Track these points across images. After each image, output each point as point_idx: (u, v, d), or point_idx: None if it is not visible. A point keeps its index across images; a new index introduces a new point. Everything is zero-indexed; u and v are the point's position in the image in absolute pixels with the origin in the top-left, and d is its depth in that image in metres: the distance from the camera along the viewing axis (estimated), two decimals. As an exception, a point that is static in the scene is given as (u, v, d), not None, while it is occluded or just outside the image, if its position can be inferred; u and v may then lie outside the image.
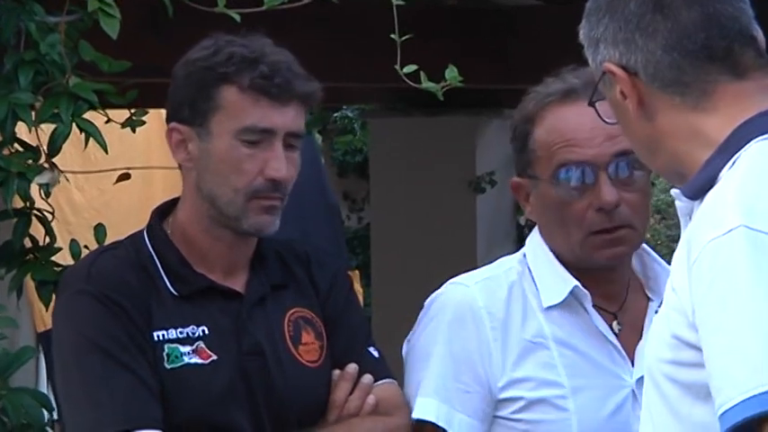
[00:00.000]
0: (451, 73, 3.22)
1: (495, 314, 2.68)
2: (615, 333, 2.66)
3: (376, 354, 2.68)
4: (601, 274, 2.68)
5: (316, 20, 3.33)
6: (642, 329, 2.64)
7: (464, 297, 2.72)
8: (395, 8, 3.21)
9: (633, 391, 2.61)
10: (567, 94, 2.64)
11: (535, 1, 5.01)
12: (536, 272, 2.70)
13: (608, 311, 2.68)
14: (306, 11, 3.27)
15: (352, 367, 2.61)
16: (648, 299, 2.70)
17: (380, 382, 2.63)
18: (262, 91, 2.50)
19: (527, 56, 4.99)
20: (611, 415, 2.60)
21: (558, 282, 2.68)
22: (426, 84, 3.25)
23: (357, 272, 8.09)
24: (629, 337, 2.65)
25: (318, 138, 8.81)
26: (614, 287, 2.70)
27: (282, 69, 2.51)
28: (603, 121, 2.24)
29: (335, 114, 9.75)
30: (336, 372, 2.60)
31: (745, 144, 2.04)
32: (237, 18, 3.18)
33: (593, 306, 2.66)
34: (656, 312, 2.53)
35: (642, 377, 2.49)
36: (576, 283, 2.65)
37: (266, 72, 2.49)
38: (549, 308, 2.67)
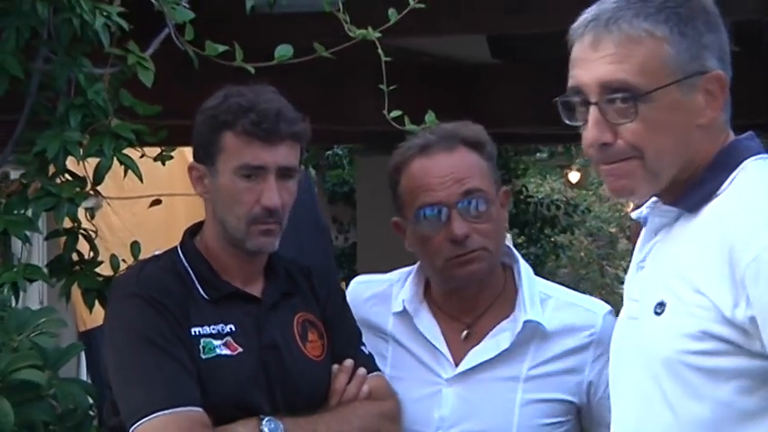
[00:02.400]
0: (430, 117, 3.23)
1: (357, 306, 2.81)
2: (447, 339, 2.68)
3: (366, 351, 2.69)
4: (460, 293, 2.69)
5: (316, 71, 3.32)
6: (483, 340, 2.66)
7: (349, 287, 2.94)
8: (383, 63, 3.22)
9: (446, 383, 2.66)
10: (424, 148, 2.67)
11: (493, 60, 5.01)
12: (406, 282, 2.76)
13: (461, 321, 2.69)
14: (306, 64, 3.27)
15: (349, 362, 2.62)
16: (506, 314, 2.69)
17: (372, 374, 2.64)
18: (252, 135, 2.50)
19: (486, 105, 4.98)
20: (417, 399, 2.66)
21: (407, 290, 2.74)
22: (409, 126, 3.25)
23: (343, 282, 8.07)
24: (470, 342, 2.67)
25: (313, 172, 8.81)
26: (470, 303, 2.69)
27: (270, 116, 2.51)
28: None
29: (328, 152, 9.78)
30: (335, 366, 2.61)
31: (740, 163, 2.01)
32: (252, 71, 3.18)
33: (445, 314, 2.72)
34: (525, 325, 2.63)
35: (466, 371, 2.64)
36: (407, 297, 2.71)
37: (255, 119, 2.49)
38: (396, 313, 2.73)
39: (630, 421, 2.05)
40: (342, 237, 10.63)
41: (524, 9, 3.66)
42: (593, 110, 2.01)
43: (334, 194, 10.60)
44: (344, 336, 2.68)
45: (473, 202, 2.60)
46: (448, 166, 2.62)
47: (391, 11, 3.24)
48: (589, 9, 2.04)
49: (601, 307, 2.76)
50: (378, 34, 3.26)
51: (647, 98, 1.97)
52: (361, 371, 2.62)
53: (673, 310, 1.98)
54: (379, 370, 2.67)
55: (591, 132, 2.01)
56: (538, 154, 15.30)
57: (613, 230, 18.38)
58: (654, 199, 2.16)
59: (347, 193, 10.25)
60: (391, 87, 3.24)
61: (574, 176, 17.15)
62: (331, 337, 2.65)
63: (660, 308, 2.00)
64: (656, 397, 1.98)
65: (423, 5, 3.21)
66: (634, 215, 2.20)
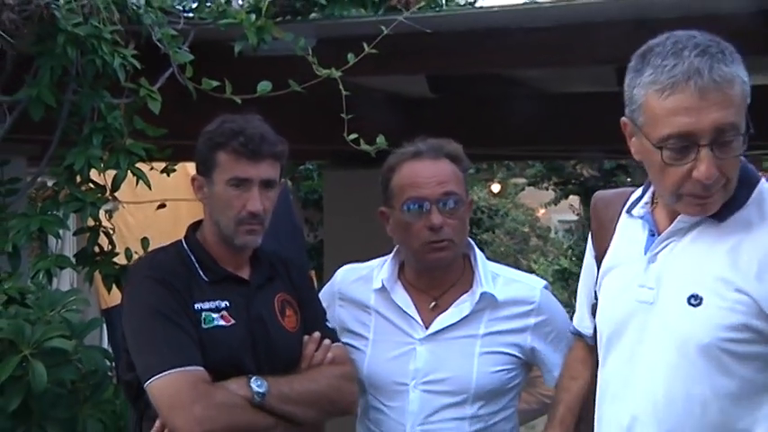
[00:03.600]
0: (380, 140, 3.23)
1: (345, 288, 2.82)
2: (418, 309, 2.68)
3: (331, 326, 2.68)
4: (430, 272, 2.68)
5: (291, 102, 3.32)
6: (447, 308, 2.67)
7: (336, 274, 2.90)
8: (343, 97, 3.22)
9: (419, 343, 2.66)
10: (415, 155, 2.65)
11: (431, 95, 5.01)
12: (384, 266, 2.75)
13: (430, 295, 2.69)
14: (283, 96, 3.27)
15: (317, 334, 2.60)
16: (466, 289, 2.70)
17: (335, 344, 2.62)
18: (240, 153, 2.47)
19: (425, 131, 4.98)
20: (396, 357, 2.66)
21: (385, 272, 2.73)
22: (364, 147, 3.25)
23: (313, 272, 8.04)
24: (437, 311, 2.67)
25: (289, 183, 8.79)
26: (438, 281, 2.69)
27: (255, 139, 2.48)
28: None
29: (301, 167, 9.75)
30: (306, 337, 2.59)
31: (757, 182, 1.99)
32: (239, 101, 3.17)
33: (416, 290, 2.70)
34: (481, 296, 2.63)
35: (435, 332, 2.65)
36: (385, 277, 2.71)
37: (243, 141, 2.47)
38: (376, 289, 2.72)
39: (658, 389, 1.98)
40: (312, 234, 10.59)
41: (456, 56, 3.68)
42: (706, 151, 1.86)
43: (307, 201, 10.57)
44: (313, 313, 2.66)
45: (449, 202, 2.59)
46: (433, 171, 2.61)
47: (350, 55, 3.24)
48: (666, 63, 1.88)
49: (539, 282, 2.77)
50: (339, 73, 3.26)
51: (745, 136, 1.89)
52: (327, 341, 2.60)
53: (712, 305, 1.92)
54: (340, 341, 2.67)
55: (709, 170, 1.87)
56: (471, 170, 15.33)
57: (526, 230, 18.45)
58: (646, 201, 2.13)
59: (317, 200, 10.22)
60: (350, 116, 3.24)
61: (495, 188, 17.24)
62: (303, 313, 2.63)
63: (695, 300, 1.94)
64: (686, 372, 1.94)
65: (375, 51, 3.22)
66: (636, 214, 2.16)
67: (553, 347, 2.67)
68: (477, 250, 2.76)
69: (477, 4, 4.94)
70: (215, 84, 3.25)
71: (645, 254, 2.07)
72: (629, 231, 2.17)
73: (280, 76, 3.28)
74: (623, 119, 2.02)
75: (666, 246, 2.04)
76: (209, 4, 3.62)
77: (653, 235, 2.08)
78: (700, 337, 1.91)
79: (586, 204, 13.42)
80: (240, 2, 3.63)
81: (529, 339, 2.66)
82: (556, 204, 16.54)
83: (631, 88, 1.96)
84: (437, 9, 3.96)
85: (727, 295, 1.90)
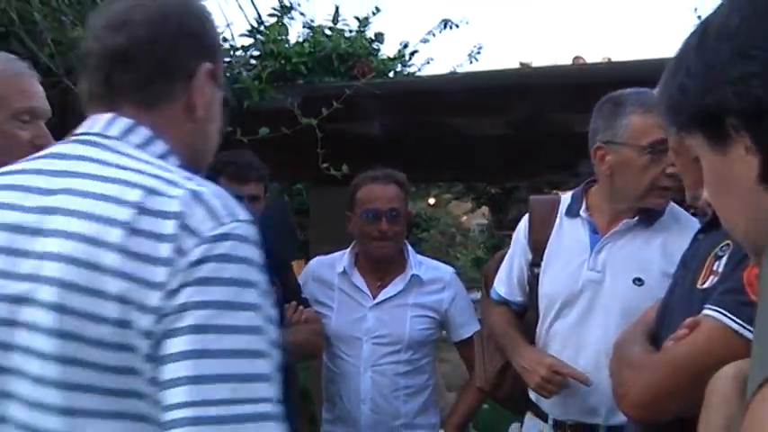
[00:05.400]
0: (345, 167, 3.24)
1: (317, 271, 2.76)
2: (369, 286, 2.67)
3: (304, 296, 2.67)
4: (377, 261, 2.68)
5: (280, 141, 3.33)
6: (388, 285, 2.67)
7: (311, 262, 2.85)
8: (318, 138, 3.23)
9: (368, 310, 2.65)
10: (373, 179, 2.67)
11: (383, 136, 5.02)
12: (344, 256, 2.74)
13: (377, 276, 2.69)
14: (277, 137, 3.27)
15: (294, 303, 2.59)
16: (401, 273, 2.70)
17: (307, 309, 2.61)
18: (233, 178, 2.46)
19: (377, 164, 4.98)
20: (353, 320, 2.65)
21: (345, 261, 2.72)
22: (333, 172, 3.26)
23: (303, 260, 8.01)
24: (382, 287, 2.67)
25: (287, 197, 8.77)
26: (383, 266, 2.69)
27: (244, 167, 2.49)
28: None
29: (294, 187, 9.74)
30: (287, 305, 2.58)
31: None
32: (246, 141, 3.18)
33: (367, 273, 2.69)
34: (411, 277, 2.62)
35: (379, 302, 2.63)
36: (345, 264, 2.69)
37: (235, 168, 2.47)
38: (339, 273, 2.70)
39: (610, 342, 1.84)
40: (302, 234, 10.57)
41: (399, 110, 3.70)
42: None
43: (299, 211, 10.57)
44: (292, 288, 2.64)
45: (393, 214, 2.62)
46: (384, 191, 2.63)
47: (324, 109, 3.25)
48: (642, 95, 1.91)
49: (450, 269, 2.80)
50: (316, 122, 3.28)
51: None
52: (301, 308, 2.59)
53: (651, 285, 1.94)
54: (310, 306, 2.65)
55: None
56: (413, 189, 15.28)
57: (453, 231, 18.50)
58: (585, 207, 2.10)
59: (305, 210, 10.23)
60: (323, 151, 3.26)
61: (431, 200, 17.29)
62: (284, 288, 2.60)
63: (639, 282, 1.98)
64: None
65: (341, 106, 3.23)
66: (582, 215, 2.11)
67: (458, 313, 2.72)
68: (409, 246, 2.78)
69: (416, 75, 4.95)
70: (229, 129, 3.24)
71: (591, 246, 2.08)
72: (570, 228, 2.15)
73: (275, 123, 3.29)
74: (596, 145, 2.01)
75: (609, 242, 2.06)
76: (228, 74, 3.62)
77: (596, 233, 2.09)
78: (643, 308, 1.86)
79: (494, 212, 13.49)
80: (248, 72, 3.62)
81: (443, 307, 2.69)
82: (473, 212, 16.61)
83: (610, 121, 1.97)
84: (385, 77, 3.98)
85: (660, 277, 1.92)
